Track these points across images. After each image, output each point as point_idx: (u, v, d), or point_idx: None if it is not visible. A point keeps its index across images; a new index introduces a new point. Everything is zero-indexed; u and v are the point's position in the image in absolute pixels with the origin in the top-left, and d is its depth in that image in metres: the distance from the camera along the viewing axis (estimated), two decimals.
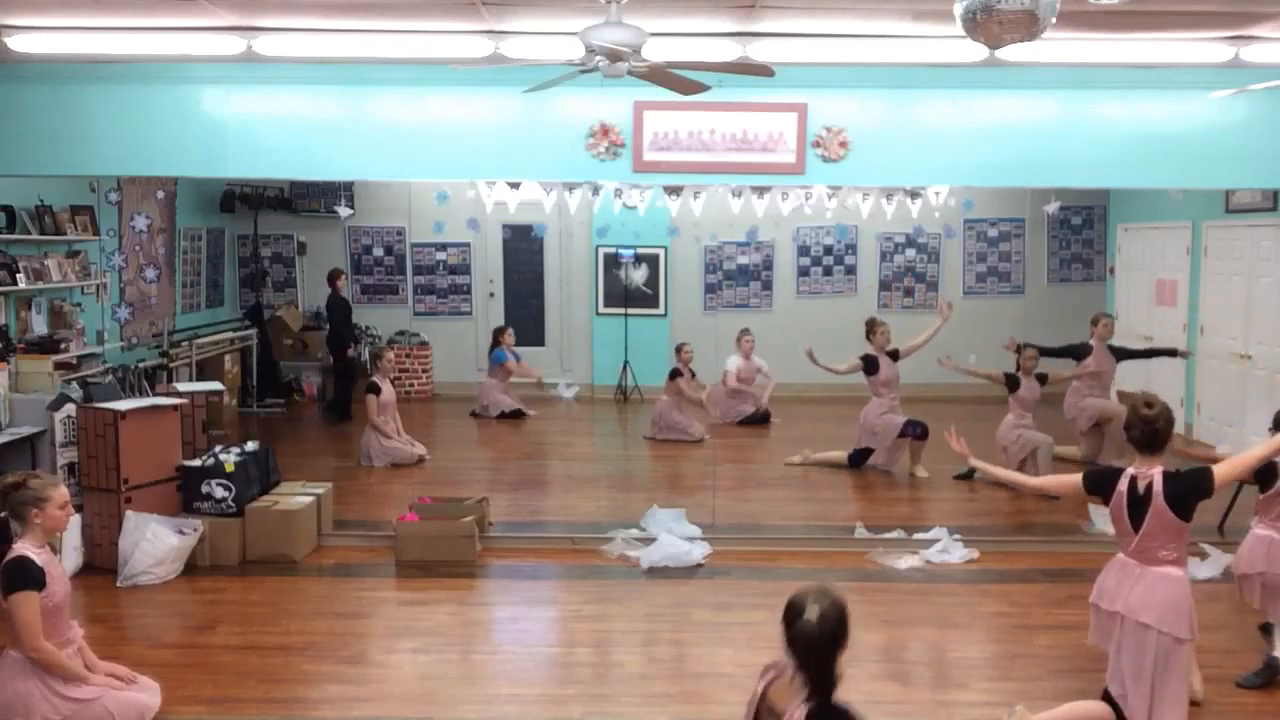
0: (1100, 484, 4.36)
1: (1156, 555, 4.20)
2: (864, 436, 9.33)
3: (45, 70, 7.14)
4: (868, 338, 9.30)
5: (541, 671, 5.32)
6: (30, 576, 3.93)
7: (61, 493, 4.15)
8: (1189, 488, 4.16)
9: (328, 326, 12.23)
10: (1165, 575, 4.20)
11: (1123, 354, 9.44)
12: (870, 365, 9.20)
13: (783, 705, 2.91)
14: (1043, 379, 8.93)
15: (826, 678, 2.84)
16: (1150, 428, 4.18)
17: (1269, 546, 5.15)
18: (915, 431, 9.08)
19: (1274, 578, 5.13)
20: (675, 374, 10.78)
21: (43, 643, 4.00)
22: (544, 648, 5.65)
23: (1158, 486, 4.16)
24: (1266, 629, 5.34)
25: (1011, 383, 8.86)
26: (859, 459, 9.32)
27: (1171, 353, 9.52)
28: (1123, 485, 4.27)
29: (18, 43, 6.41)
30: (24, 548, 4.01)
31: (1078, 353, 9.35)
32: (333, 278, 11.97)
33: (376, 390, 9.54)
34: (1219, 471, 4.16)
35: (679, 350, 11.03)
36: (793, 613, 2.89)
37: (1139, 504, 4.19)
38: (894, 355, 9.26)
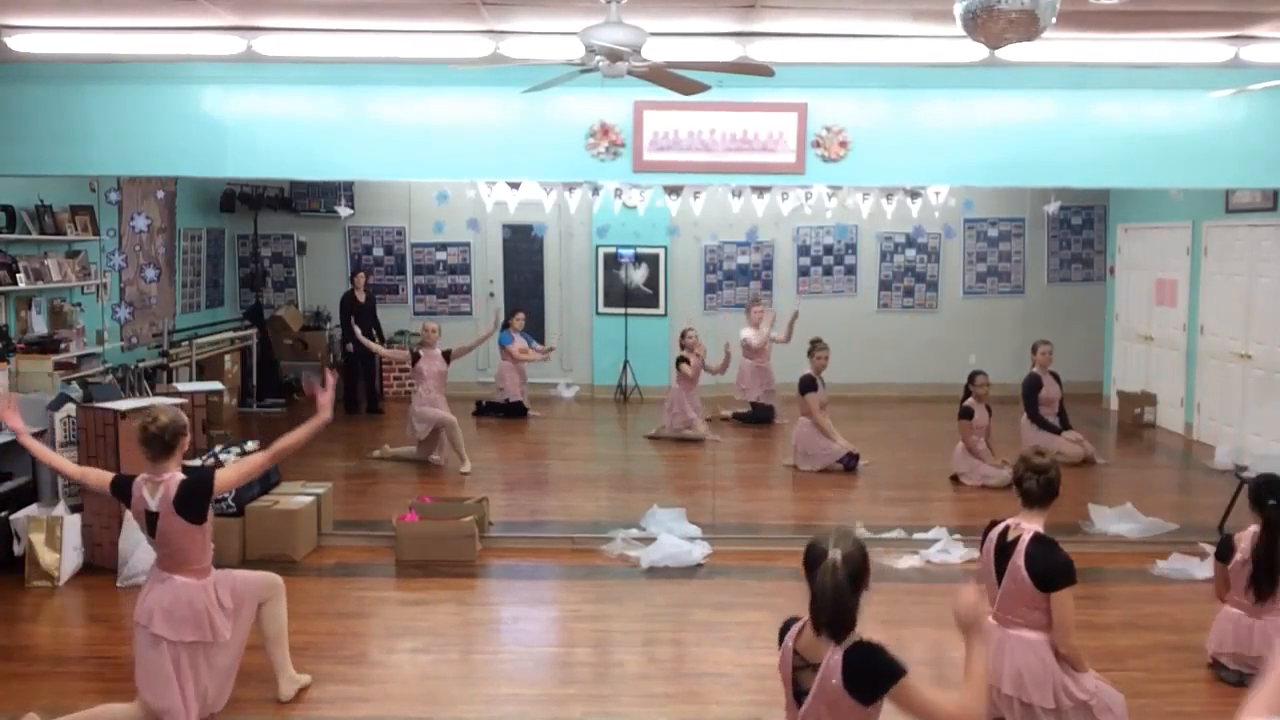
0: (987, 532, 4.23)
1: (1010, 618, 4.04)
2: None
3: (45, 70, 7.13)
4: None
5: (541, 671, 5.33)
6: (211, 474, 4.36)
7: None
8: (1050, 568, 3.91)
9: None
10: (1023, 640, 4.02)
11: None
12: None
13: (815, 656, 2.87)
14: (989, 408, 9.00)
15: (849, 618, 2.81)
16: (1043, 477, 3.99)
17: (1236, 624, 5.05)
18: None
19: (1245, 659, 5.00)
20: (681, 360, 10.75)
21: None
22: (544, 648, 5.66)
23: (1023, 546, 3.97)
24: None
25: (965, 413, 8.89)
26: None
27: (1062, 427, 9.49)
28: (994, 533, 4.12)
29: (18, 43, 6.40)
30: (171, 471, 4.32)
31: (1030, 388, 9.32)
32: (352, 275, 12.14)
33: (414, 359, 9.63)
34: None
35: (683, 336, 10.94)
36: (814, 556, 2.87)
37: (1003, 556, 4.02)
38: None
